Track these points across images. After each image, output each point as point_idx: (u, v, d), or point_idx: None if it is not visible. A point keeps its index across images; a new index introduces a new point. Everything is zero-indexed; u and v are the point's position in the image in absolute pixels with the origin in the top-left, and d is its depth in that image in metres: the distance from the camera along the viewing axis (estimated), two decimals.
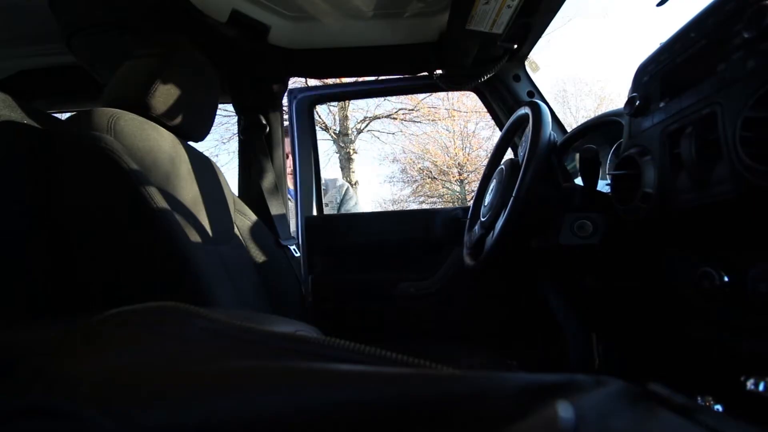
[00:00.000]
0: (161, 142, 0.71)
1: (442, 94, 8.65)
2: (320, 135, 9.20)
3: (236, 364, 0.21)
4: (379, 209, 8.08)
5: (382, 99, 8.77)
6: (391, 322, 1.31)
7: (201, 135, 0.89)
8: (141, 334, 0.25)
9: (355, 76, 1.51)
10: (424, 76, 1.34)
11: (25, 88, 1.27)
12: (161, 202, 0.60)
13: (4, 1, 1.00)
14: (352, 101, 8.61)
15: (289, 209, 1.37)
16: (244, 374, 0.20)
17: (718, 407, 0.59)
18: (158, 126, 0.73)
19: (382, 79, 1.47)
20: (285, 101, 1.41)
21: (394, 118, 8.92)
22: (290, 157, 1.47)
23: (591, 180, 0.71)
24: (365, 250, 1.38)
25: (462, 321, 1.36)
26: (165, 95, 0.74)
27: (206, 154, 0.94)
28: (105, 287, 0.60)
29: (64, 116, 0.70)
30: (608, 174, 0.65)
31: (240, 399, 0.19)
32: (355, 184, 7.56)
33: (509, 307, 1.28)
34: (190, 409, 0.18)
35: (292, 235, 1.30)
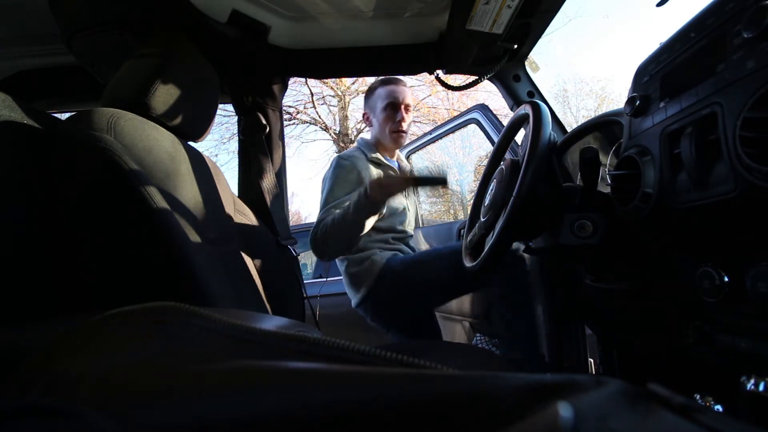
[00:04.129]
0: (161, 141, 0.71)
1: (442, 94, 8.63)
2: (320, 135, 9.19)
3: (236, 364, 0.21)
4: None
5: None
6: None
7: (201, 135, 0.89)
8: (141, 334, 0.25)
9: (355, 76, 1.51)
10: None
11: (25, 88, 1.27)
12: (161, 202, 0.60)
13: (4, 1, 1.00)
14: (351, 101, 8.61)
15: (289, 209, 1.37)
16: (243, 374, 0.20)
17: (718, 407, 0.59)
18: (158, 126, 0.73)
19: None
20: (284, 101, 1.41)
21: None
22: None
23: (591, 180, 0.71)
24: None
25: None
26: (165, 95, 0.74)
27: (206, 154, 0.94)
28: (105, 287, 0.60)
29: (64, 116, 0.69)
30: (608, 174, 0.65)
31: (240, 399, 0.19)
32: None
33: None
34: (190, 409, 0.18)
35: None
